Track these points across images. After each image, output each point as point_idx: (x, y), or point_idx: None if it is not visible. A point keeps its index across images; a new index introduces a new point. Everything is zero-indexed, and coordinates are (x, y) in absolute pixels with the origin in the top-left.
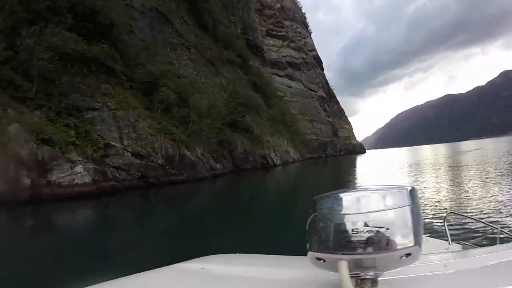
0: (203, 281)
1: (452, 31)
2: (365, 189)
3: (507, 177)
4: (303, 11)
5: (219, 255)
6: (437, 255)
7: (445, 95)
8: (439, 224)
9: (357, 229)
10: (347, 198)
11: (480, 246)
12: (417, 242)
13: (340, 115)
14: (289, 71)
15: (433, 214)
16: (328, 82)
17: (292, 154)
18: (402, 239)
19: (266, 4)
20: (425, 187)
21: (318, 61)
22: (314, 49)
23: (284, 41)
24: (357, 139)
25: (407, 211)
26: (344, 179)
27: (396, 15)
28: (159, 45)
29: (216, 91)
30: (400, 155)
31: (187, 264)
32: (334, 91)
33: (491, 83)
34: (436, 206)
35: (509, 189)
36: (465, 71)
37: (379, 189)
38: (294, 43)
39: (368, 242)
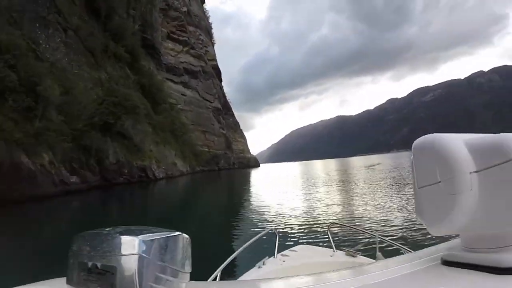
0: None
1: (349, 60)
2: (109, 232)
3: (386, 190)
4: (210, 21)
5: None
6: None
7: (337, 116)
8: (323, 233)
9: (91, 269)
10: (90, 238)
11: (362, 252)
12: None
13: (235, 128)
14: (185, 78)
15: (318, 224)
16: (226, 95)
17: (181, 166)
18: (125, 286)
19: (172, 5)
20: (312, 199)
21: (217, 72)
22: (214, 59)
23: (184, 46)
24: (251, 153)
25: (133, 259)
26: (234, 199)
27: (299, 40)
28: (26, 17)
29: (90, 86)
30: (293, 169)
31: None
32: (231, 104)
33: (379, 108)
34: (320, 216)
35: (387, 200)
36: (356, 96)
37: (120, 232)
38: (195, 50)
39: (98, 283)
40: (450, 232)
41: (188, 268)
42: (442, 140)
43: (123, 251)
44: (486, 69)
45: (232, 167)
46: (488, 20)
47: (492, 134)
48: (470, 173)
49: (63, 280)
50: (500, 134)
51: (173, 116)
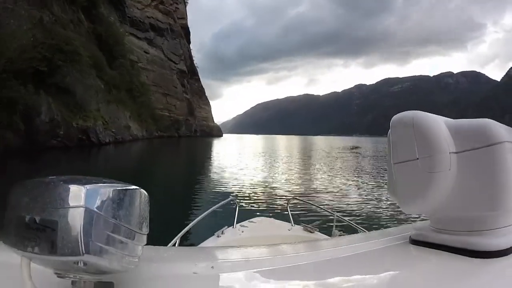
0: None
1: (323, 41)
2: (52, 180)
3: (346, 171)
4: None
5: None
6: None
7: (305, 94)
8: (283, 207)
9: (29, 224)
10: (31, 187)
11: (320, 229)
12: (88, 251)
13: (200, 94)
14: (150, 34)
15: (278, 197)
16: (194, 58)
17: (135, 130)
18: (68, 245)
19: None
20: (274, 173)
21: (186, 32)
22: (184, 18)
23: (153, 0)
24: (215, 122)
25: (78, 213)
26: (194, 168)
27: (277, 14)
28: None
29: (27, 26)
30: (257, 142)
31: None
32: (199, 70)
33: (346, 92)
34: (281, 190)
35: (346, 180)
36: (326, 78)
37: (65, 181)
38: (164, 5)
39: (36, 241)
40: (423, 211)
41: (145, 230)
42: (424, 118)
43: (67, 203)
44: (455, 71)
45: (193, 135)
46: (466, 26)
47: (473, 119)
48: (450, 153)
49: None
50: (483, 119)
51: (132, 74)
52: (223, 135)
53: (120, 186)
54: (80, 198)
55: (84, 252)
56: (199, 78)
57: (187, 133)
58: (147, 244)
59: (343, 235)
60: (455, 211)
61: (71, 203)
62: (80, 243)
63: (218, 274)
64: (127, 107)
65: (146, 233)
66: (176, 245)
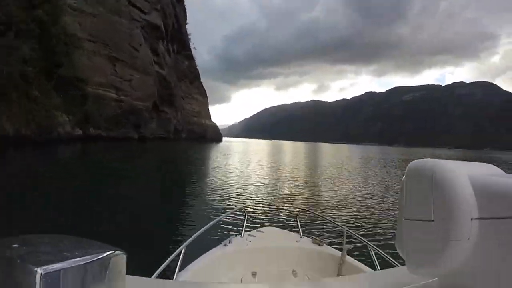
0: None
1: (335, 47)
2: (7, 250)
3: (357, 180)
4: None
5: None
6: None
7: (312, 100)
8: (292, 218)
9: None
10: None
11: (328, 240)
12: None
13: (191, 78)
14: None
15: (287, 208)
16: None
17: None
18: None
19: None
20: (283, 183)
21: None
22: None
23: None
24: (212, 121)
25: None
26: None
27: (290, 18)
28: None
29: None
30: (263, 149)
31: None
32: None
33: (356, 99)
34: (290, 202)
35: (357, 191)
36: (336, 84)
37: (21, 257)
38: None
39: None
40: (431, 277)
41: None
42: (446, 171)
43: (22, 286)
44: (467, 81)
45: (172, 137)
46: (480, 36)
47: (507, 174)
48: (471, 219)
49: None
50: None
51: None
52: (225, 138)
53: (82, 260)
54: (34, 283)
55: None
56: (191, 55)
57: (161, 134)
58: (132, 273)
59: (354, 251)
60: (470, 283)
61: None
62: None
63: None
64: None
65: None
66: (182, 253)
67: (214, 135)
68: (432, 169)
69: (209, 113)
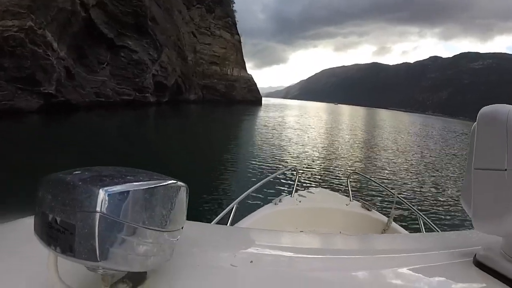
0: None
1: (397, 5)
2: (72, 180)
3: (413, 150)
4: None
5: None
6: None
7: (373, 63)
8: (343, 181)
9: (51, 223)
10: (54, 184)
11: (376, 206)
12: (105, 257)
13: (208, 1)
14: None
15: (338, 171)
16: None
17: None
18: (85, 250)
19: None
20: (338, 146)
21: None
22: None
23: None
24: (248, 73)
25: (93, 219)
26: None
27: None
28: None
29: None
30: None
31: None
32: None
33: (420, 63)
34: (343, 164)
35: (411, 161)
36: (398, 46)
37: (84, 180)
38: None
39: (58, 242)
40: (500, 234)
41: (178, 225)
42: None
43: (84, 207)
44: None
45: (154, 99)
46: None
47: None
48: None
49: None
50: None
51: None
52: (277, 100)
53: (146, 185)
54: (96, 203)
55: (100, 259)
56: None
57: (116, 94)
58: (190, 220)
59: (402, 218)
60: None
61: (87, 208)
62: (96, 250)
63: (257, 269)
64: None
65: (180, 227)
66: (233, 210)
67: (248, 94)
68: (508, 113)
69: (243, 61)
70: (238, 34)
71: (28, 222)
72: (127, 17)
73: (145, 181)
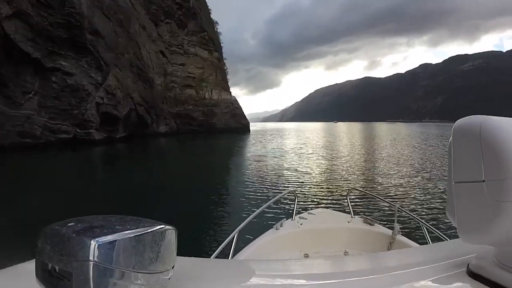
0: None
1: (385, 18)
2: (66, 230)
3: (411, 160)
4: None
5: None
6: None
7: (364, 77)
8: (342, 198)
9: (50, 271)
10: (52, 235)
11: (379, 220)
12: None
13: (179, 15)
14: None
15: (337, 188)
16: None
17: None
18: None
19: None
20: (333, 164)
21: None
22: None
23: None
24: (232, 95)
25: (87, 267)
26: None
27: None
28: None
29: None
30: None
31: None
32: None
33: (411, 73)
34: (340, 181)
35: (410, 171)
36: (388, 59)
37: (77, 232)
38: None
39: (57, 287)
40: (486, 243)
41: (168, 265)
42: (495, 127)
43: (77, 257)
44: None
45: (94, 138)
46: None
47: None
48: None
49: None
50: None
51: None
52: (273, 124)
53: (133, 233)
54: (88, 253)
55: None
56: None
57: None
58: (184, 255)
59: (405, 229)
60: None
61: (81, 257)
62: None
63: None
64: None
65: (170, 267)
66: (235, 239)
67: (231, 120)
68: (481, 124)
69: (225, 81)
70: (217, 51)
71: (28, 268)
72: (58, 30)
73: (132, 229)
